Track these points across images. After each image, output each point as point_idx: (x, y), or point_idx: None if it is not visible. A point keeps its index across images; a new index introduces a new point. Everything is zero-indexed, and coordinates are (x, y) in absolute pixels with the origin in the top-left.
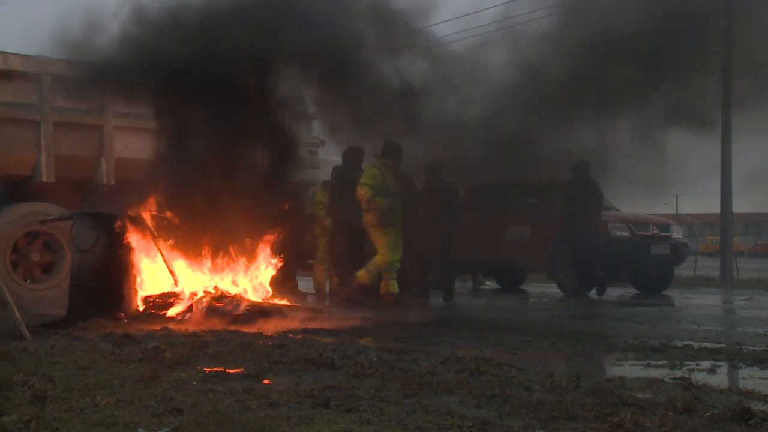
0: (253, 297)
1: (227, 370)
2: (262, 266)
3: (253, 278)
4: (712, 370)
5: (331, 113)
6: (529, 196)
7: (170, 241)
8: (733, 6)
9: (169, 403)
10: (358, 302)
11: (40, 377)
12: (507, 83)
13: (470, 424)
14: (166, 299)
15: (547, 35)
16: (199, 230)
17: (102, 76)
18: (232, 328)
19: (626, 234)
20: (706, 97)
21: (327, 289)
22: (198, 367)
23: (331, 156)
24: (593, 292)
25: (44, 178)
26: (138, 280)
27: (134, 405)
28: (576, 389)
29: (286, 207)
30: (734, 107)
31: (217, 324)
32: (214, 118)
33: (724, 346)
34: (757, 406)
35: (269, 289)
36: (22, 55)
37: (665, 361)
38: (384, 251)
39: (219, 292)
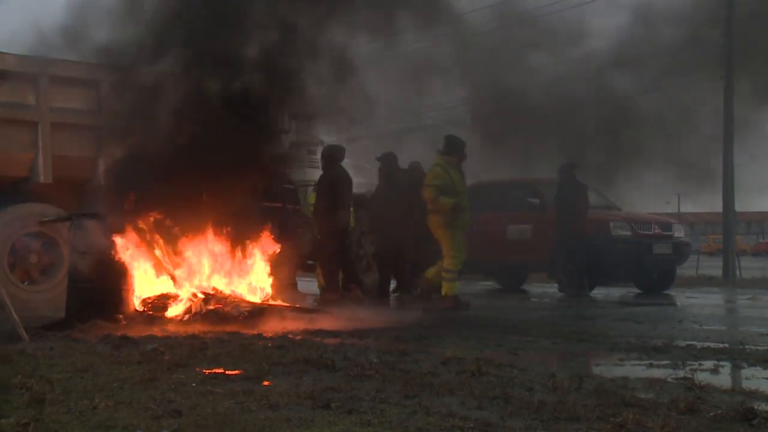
0: (253, 298)
1: (227, 372)
2: (262, 267)
3: (252, 279)
4: (715, 370)
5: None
6: (531, 196)
7: (169, 242)
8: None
9: (168, 405)
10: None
11: (39, 379)
12: None
13: (472, 425)
14: (165, 301)
15: None
16: (198, 230)
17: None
18: (232, 329)
19: (628, 233)
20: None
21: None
22: (197, 369)
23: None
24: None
25: (42, 179)
26: (136, 281)
27: (133, 407)
28: (578, 390)
29: (283, 206)
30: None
31: (216, 325)
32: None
33: (727, 345)
34: (761, 406)
35: (269, 290)
36: (18, 55)
37: (668, 361)
38: (452, 253)
39: (218, 294)
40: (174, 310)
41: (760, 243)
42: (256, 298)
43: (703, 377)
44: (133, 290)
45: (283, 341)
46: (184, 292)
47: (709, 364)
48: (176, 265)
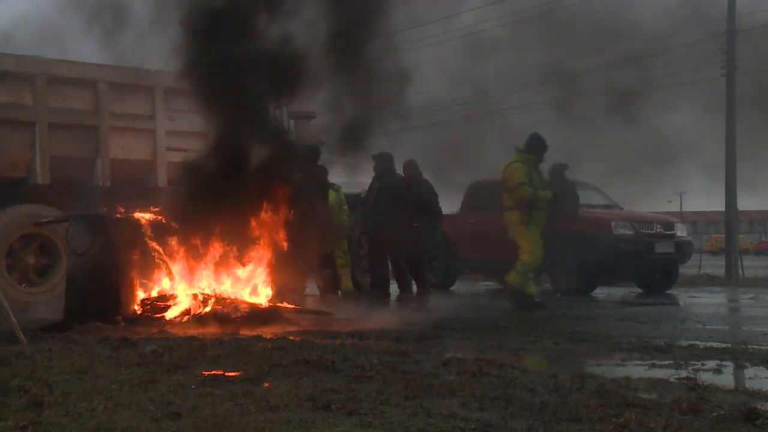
0: (252, 299)
1: (226, 374)
2: (261, 267)
3: (252, 280)
4: (717, 370)
5: None
6: None
7: (168, 243)
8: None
9: (167, 407)
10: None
11: (37, 382)
12: None
13: (473, 426)
14: (164, 302)
15: None
16: (197, 231)
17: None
18: (231, 330)
19: (630, 232)
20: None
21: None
22: (196, 371)
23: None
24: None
25: (39, 180)
26: (135, 282)
27: (132, 409)
28: (580, 390)
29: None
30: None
31: (215, 327)
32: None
33: (729, 345)
34: (764, 407)
35: (269, 291)
36: (15, 56)
37: (670, 361)
38: (529, 250)
39: (217, 295)
40: (173, 312)
41: (762, 242)
42: (257, 300)
43: (705, 377)
44: (133, 291)
45: (282, 342)
46: (184, 294)
47: (711, 364)
48: (179, 267)
